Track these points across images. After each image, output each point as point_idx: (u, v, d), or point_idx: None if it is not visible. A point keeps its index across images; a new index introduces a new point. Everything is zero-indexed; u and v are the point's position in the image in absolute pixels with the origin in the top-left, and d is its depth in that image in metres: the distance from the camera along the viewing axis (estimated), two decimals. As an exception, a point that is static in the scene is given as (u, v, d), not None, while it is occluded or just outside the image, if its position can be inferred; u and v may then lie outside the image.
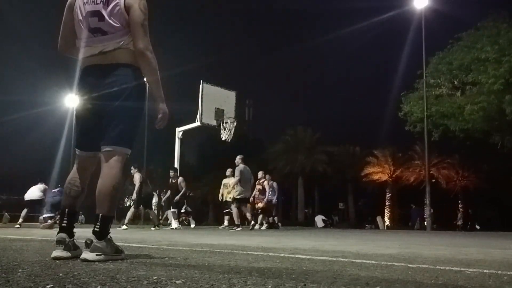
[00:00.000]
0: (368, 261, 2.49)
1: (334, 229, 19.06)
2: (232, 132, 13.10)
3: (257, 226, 12.07)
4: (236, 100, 13.69)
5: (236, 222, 10.34)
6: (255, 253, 2.99)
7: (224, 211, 12.81)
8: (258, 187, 12.69)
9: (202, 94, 12.74)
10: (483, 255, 3.15)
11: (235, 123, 13.24)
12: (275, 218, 13.16)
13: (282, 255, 2.86)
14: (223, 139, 13.10)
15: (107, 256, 2.21)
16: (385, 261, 2.51)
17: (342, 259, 2.60)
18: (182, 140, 13.94)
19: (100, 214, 2.30)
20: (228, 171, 12.50)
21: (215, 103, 13.02)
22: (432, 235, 9.28)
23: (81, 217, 29.30)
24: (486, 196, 29.72)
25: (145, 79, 2.51)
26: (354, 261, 2.52)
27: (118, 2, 2.38)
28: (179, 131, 13.71)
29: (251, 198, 12.33)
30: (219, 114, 13.05)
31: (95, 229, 2.26)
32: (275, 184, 13.06)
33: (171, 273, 1.82)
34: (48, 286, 1.45)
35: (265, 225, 12.54)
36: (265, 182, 12.67)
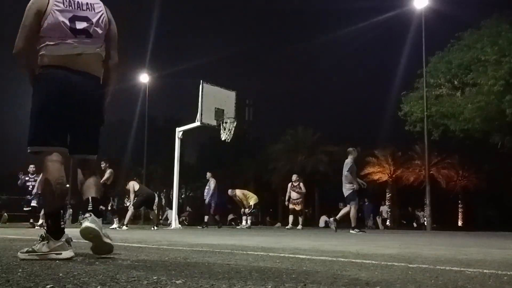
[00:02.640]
0: (368, 261, 2.49)
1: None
2: (232, 132, 13.11)
3: (299, 226, 12.80)
4: (236, 100, 13.69)
5: (354, 224, 9.73)
6: (255, 253, 2.99)
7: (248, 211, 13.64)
8: (293, 189, 13.42)
9: (202, 94, 12.73)
10: (483, 255, 3.15)
11: (235, 123, 13.25)
12: (206, 217, 13.67)
13: (282, 255, 2.86)
14: (223, 139, 13.12)
15: (99, 227, 2.38)
16: (385, 261, 2.51)
17: (342, 259, 2.60)
18: (182, 140, 13.93)
19: (91, 197, 2.49)
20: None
21: (215, 103, 13.02)
22: (432, 235, 9.28)
23: (81, 217, 29.28)
24: (486, 196, 29.74)
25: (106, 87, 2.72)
26: (354, 261, 2.52)
27: (103, 13, 2.64)
28: (179, 131, 13.70)
29: (286, 202, 13.22)
30: (219, 114, 13.05)
31: (89, 208, 2.43)
32: (212, 182, 13.66)
33: (171, 273, 1.82)
34: (48, 286, 1.45)
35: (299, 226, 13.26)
36: (301, 184, 13.40)
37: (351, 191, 9.63)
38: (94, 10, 2.60)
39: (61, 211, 2.50)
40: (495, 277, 1.90)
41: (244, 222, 13.62)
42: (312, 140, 33.66)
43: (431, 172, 22.37)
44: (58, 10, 2.51)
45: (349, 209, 9.59)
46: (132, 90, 31.86)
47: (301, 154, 32.88)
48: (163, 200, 38.35)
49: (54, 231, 2.37)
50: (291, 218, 13.30)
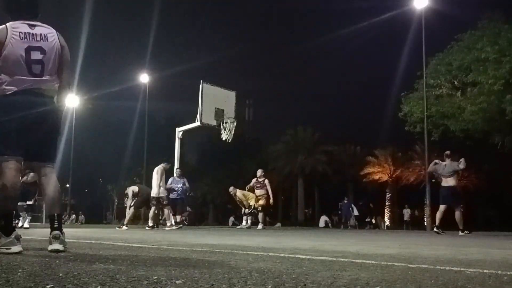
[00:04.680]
0: (368, 261, 2.49)
1: (334, 229, 19.07)
2: (232, 132, 13.11)
3: (260, 226, 12.41)
4: (236, 100, 13.70)
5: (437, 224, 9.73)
6: (255, 253, 2.99)
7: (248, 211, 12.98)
8: (257, 185, 12.72)
9: (202, 94, 12.75)
10: (483, 255, 3.15)
11: (235, 123, 13.25)
12: (178, 217, 11.91)
13: (282, 255, 2.86)
14: (223, 139, 13.13)
15: (65, 246, 2.79)
16: (385, 261, 2.51)
17: (342, 259, 2.60)
18: (182, 140, 13.94)
19: (56, 214, 2.83)
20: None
21: (215, 103, 13.02)
22: (432, 235, 9.27)
23: (81, 217, 29.35)
24: (486, 196, 29.72)
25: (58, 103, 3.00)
26: (354, 261, 2.51)
27: (55, 41, 2.91)
28: (179, 131, 13.71)
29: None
30: (219, 114, 13.06)
31: (55, 225, 2.78)
32: (186, 180, 12.19)
33: (171, 273, 1.82)
34: (48, 286, 1.45)
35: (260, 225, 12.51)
36: (266, 180, 12.70)
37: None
38: (47, 40, 2.87)
39: (13, 212, 2.91)
40: (495, 277, 1.90)
41: (244, 222, 13.56)
42: (312, 140, 33.69)
43: (431, 172, 22.32)
44: (15, 41, 2.77)
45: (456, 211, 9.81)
46: (132, 90, 31.86)
47: (301, 154, 32.90)
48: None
49: (5, 229, 2.67)
50: (260, 216, 12.45)
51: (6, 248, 2.61)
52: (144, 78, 28.85)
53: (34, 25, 2.86)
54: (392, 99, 25.38)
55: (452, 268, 2.20)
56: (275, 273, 1.87)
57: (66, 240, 2.86)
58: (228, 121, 13.07)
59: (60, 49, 2.94)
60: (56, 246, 2.68)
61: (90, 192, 38.81)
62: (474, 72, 16.69)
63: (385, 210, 30.57)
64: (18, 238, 2.69)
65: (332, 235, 7.87)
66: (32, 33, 2.83)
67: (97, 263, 2.13)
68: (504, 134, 17.55)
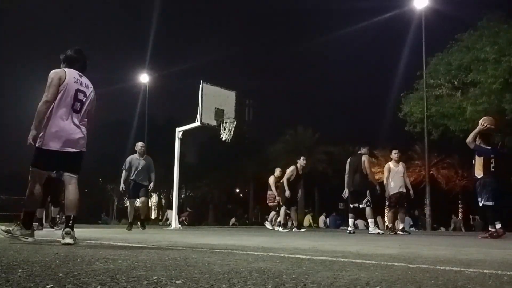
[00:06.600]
0: (368, 261, 2.49)
1: (334, 229, 19.04)
2: (232, 132, 13.09)
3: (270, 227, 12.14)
4: (236, 100, 13.68)
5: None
6: (255, 253, 2.99)
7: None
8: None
9: (202, 94, 12.73)
10: (483, 255, 3.15)
11: (235, 123, 13.23)
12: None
13: (282, 255, 2.86)
14: (223, 139, 13.10)
15: (75, 240, 3.55)
16: (385, 261, 2.51)
17: (342, 259, 2.60)
18: (182, 140, 13.91)
19: (72, 215, 3.62)
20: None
21: (215, 103, 13.01)
22: (432, 235, 9.27)
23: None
24: (486, 196, 29.61)
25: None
26: (354, 261, 2.51)
27: (92, 92, 3.95)
28: (179, 131, 13.68)
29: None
30: (219, 114, 13.04)
31: (70, 224, 3.56)
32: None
33: (171, 273, 1.82)
34: (48, 286, 1.45)
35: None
36: (271, 179, 12.61)
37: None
38: (88, 88, 3.93)
39: (35, 211, 3.79)
40: (495, 277, 1.90)
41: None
42: (312, 140, 33.68)
43: (431, 172, 22.35)
44: (70, 82, 3.76)
45: None
46: (132, 90, 31.91)
47: (301, 154, 32.91)
48: (163, 200, 38.31)
49: (27, 224, 3.60)
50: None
51: (24, 238, 3.50)
52: (144, 78, 28.86)
53: (82, 76, 3.92)
54: (392, 99, 25.39)
55: (452, 268, 2.19)
56: (275, 273, 1.87)
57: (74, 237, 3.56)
58: (228, 121, 13.05)
59: (93, 96, 3.97)
60: (67, 240, 3.45)
61: (90, 192, 38.80)
62: (474, 71, 16.70)
63: (385, 210, 30.55)
64: (33, 232, 3.61)
65: (332, 235, 7.86)
66: (81, 81, 3.87)
67: (97, 263, 2.13)
68: (504, 134, 17.56)
